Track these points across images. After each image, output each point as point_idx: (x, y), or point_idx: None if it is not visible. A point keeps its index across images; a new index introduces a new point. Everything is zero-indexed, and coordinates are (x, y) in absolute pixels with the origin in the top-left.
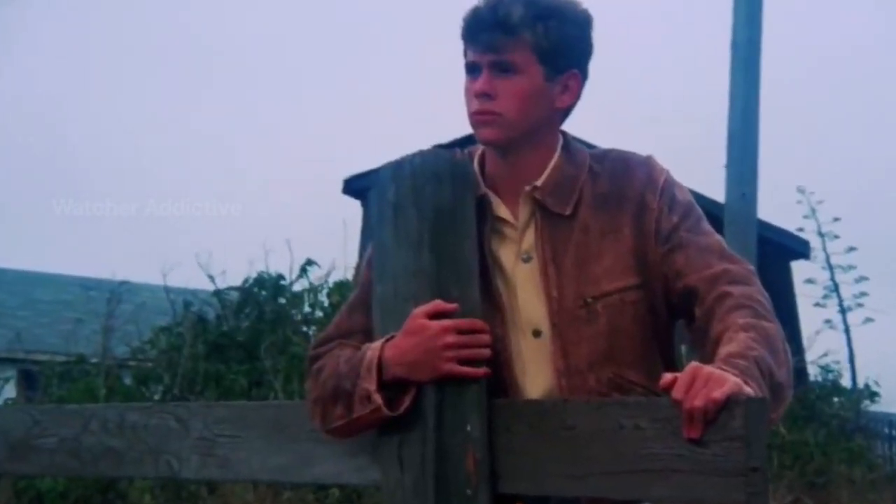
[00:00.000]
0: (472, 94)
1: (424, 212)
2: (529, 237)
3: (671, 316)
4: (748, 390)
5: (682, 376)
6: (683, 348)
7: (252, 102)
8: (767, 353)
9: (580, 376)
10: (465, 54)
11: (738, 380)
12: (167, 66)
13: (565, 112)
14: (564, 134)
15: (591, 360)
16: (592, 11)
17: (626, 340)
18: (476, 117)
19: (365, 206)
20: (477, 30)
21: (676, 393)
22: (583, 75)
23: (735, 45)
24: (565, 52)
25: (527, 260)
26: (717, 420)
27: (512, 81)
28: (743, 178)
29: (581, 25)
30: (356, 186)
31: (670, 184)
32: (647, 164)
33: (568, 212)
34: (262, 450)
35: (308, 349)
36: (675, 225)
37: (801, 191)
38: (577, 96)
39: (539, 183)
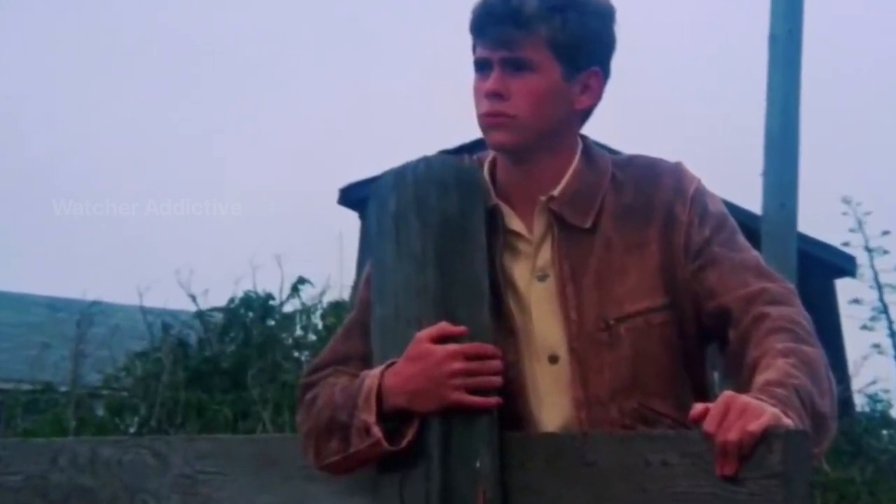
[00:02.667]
0: (482, 94)
1: (429, 224)
2: (545, 253)
3: (702, 339)
4: (788, 422)
5: (715, 407)
6: (716, 375)
7: (241, 103)
8: (809, 382)
9: (601, 407)
10: (474, 50)
11: (776, 410)
12: (147, 66)
13: (585, 114)
14: (584, 138)
15: (613, 388)
16: (615, 2)
17: (652, 367)
18: (486, 119)
19: (363, 217)
20: (487, 23)
21: (708, 425)
22: (604, 73)
23: (773, 39)
24: (585, 47)
25: (542, 278)
26: (753, 455)
27: (526, 80)
28: (782, 186)
29: (602, 18)
30: (354, 196)
31: (701, 193)
32: (676, 171)
33: (588, 224)
34: (248, 488)
35: (300, 376)
36: (707, 239)
37: (846, 201)
38: (598, 96)
39: (556, 192)
